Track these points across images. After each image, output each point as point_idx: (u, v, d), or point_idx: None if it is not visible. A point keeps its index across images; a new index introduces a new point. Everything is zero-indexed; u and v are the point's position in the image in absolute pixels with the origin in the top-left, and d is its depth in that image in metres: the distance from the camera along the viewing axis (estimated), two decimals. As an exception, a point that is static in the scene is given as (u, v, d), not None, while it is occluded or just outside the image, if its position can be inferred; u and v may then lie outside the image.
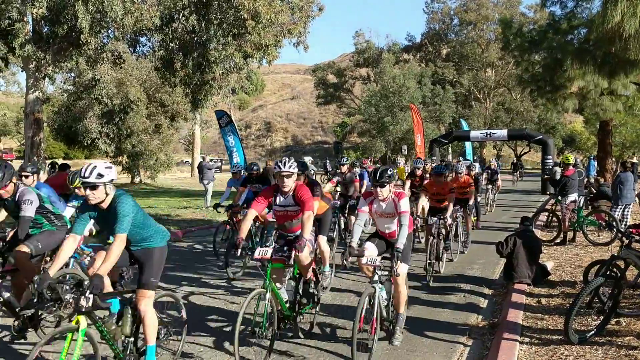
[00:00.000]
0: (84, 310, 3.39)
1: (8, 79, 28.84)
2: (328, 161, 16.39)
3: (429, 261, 7.14)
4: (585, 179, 14.39)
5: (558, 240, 10.17)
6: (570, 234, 10.26)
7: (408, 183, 10.68)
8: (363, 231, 5.01)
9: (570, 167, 10.45)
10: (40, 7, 12.33)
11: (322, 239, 5.93)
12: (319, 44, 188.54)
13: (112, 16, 12.73)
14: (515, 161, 38.00)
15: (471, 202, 9.87)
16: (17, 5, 12.58)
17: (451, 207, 7.72)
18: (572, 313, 4.62)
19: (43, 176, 14.77)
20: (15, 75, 30.48)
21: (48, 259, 5.24)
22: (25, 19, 13.40)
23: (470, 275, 7.75)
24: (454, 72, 52.70)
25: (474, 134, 27.06)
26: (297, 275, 4.99)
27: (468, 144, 35.79)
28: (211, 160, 20.27)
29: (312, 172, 7.59)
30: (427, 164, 13.88)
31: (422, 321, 5.57)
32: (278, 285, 4.75)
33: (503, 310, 5.78)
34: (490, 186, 15.70)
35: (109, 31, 14.84)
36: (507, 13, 43.27)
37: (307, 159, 19.60)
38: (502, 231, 10.64)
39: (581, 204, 11.03)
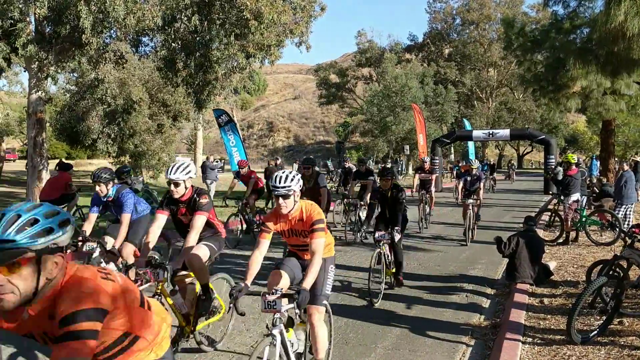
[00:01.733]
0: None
1: (11, 79, 28.87)
2: (330, 161, 16.39)
3: None
4: (588, 179, 14.38)
5: (560, 240, 10.17)
6: (572, 234, 10.26)
7: None
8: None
9: (573, 167, 10.44)
10: (42, 7, 12.33)
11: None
12: (321, 44, 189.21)
13: (114, 16, 12.72)
14: (491, 162, 31.88)
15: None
16: (20, 6, 12.59)
17: (318, 261, 3.59)
18: (575, 313, 4.61)
19: (46, 176, 14.82)
20: (17, 75, 30.54)
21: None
22: (27, 19, 13.41)
23: (473, 275, 7.75)
24: (456, 72, 52.65)
25: (476, 133, 27.02)
26: None
27: (471, 144, 35.80)
28: (215, 160, 20.27)
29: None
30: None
31: (425, 321, 5.57)
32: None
33: (505, 310, 5.78)
34: (470, 200, 10.70)
35: (111, 31, 14.86)
36: (509, 13, 43.14)
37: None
38: (504, 231, 10.61)
39: (584, 204, 11.02)
